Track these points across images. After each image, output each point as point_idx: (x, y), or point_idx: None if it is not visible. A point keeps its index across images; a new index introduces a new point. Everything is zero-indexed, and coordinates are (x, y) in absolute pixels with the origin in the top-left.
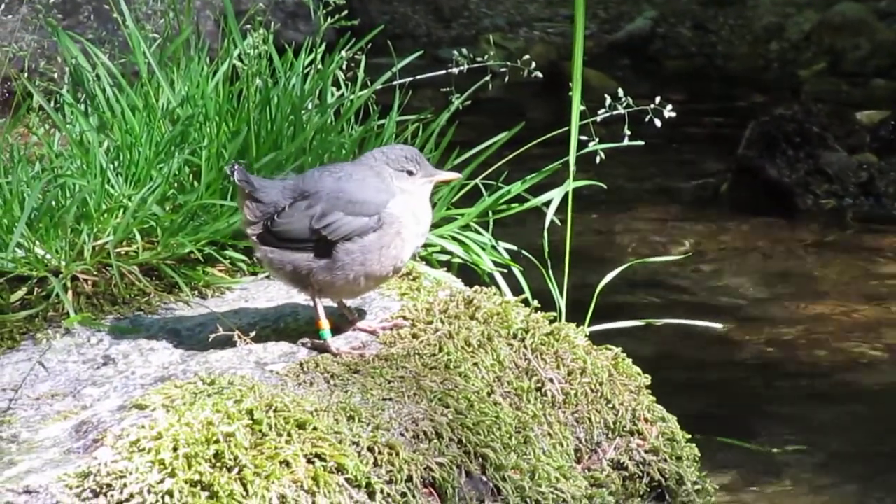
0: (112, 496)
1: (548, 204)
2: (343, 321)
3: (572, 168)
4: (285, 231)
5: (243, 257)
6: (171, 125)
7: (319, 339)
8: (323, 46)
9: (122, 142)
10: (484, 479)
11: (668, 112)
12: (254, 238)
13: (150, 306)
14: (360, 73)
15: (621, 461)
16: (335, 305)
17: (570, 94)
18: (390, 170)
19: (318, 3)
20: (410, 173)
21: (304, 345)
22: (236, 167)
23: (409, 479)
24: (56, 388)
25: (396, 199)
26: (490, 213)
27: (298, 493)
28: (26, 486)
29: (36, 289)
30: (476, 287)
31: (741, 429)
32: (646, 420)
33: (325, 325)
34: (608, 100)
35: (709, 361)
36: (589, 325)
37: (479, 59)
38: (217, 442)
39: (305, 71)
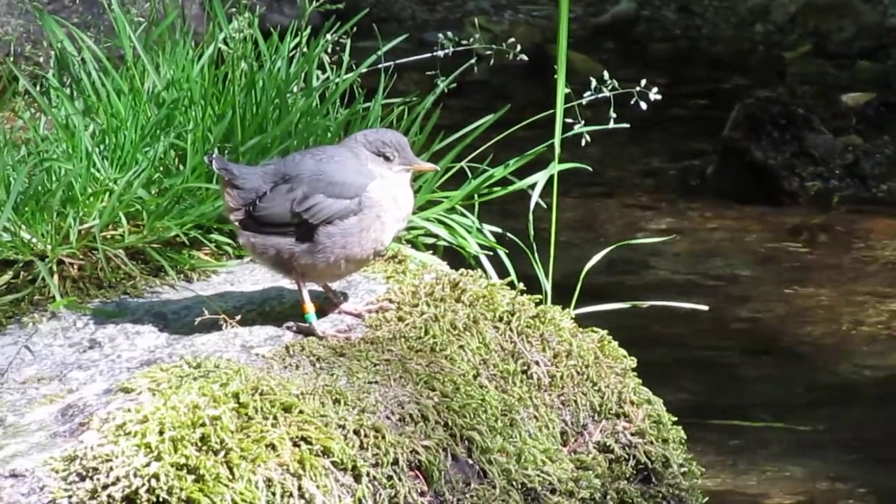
0: (98, 479)
1: (533, 187)
2: (328, 304)
3: (557, 150)
4: (267, 215)
5: (229, 241)
6: (157, 109)
7: (305, 323)
8: (308, 30)
9: (108, 125)
10: (470, 461)
11: (654, 95)
12: (236, 223)
13: (135, 290)
14: (346, 57)
15: (607, 444)
16: (320, 289)
17: (556, 76)
18: (367, 152)
19: None
20: (387, 159)
21: (289, 328)
22: (214, 156)
23: (395, 461)
24: (42, 372)
25: (376, 183)
26: (475, 196)
27: (284, 476)
28: (12, 469)
29: (22, 273)
30: (462, 270)
31: (727, 410)
32: (632, 402)
33: (310, 308)
34: (593, 82)
35: (695, 343)
36: (575, 308)
37: (464, 42)
38: (203, 425)
39: (291, 54)
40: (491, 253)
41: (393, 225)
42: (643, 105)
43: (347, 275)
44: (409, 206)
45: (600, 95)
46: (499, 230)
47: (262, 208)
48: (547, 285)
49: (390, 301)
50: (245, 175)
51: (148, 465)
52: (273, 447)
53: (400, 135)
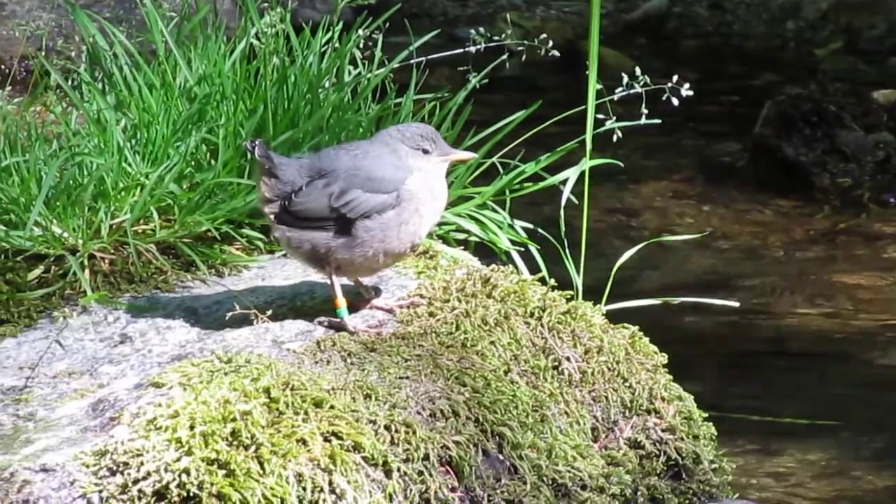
0: (129, 474)
1: (564, 182)
2: (360, 299)
3: (589, 146)
4: (303, 210)
5: (260, 235)
6: (189, 103)
7: (336, 318)
8: (340, 25)
9: (140, 120)
10: (501, 457)
11: (686, 91)
12: (271, 217)
13: (167, 284)
14: (377, 52)
15: (638, 440)
16: (352, 284)
17: (587, 72)
18: (406, 147)
19: None
20: (426, 151)
21: (321, 323)
22: (257, 142)
23: (426, 457)
24: (73, 367)
25: (414, 177)
26: (507, 192)
27: (315, 471)
28: (43, 464)
29: (53, 267)
30: (493, 265)
31: (758, 406)
32: (663, 399)
33: (342, 303)
34: (625, 78)
35: (726, 340)
36: (606, 304)
37: (496, 38)
38: (234, 420)
39: (322, 49)
40: (522, 249)
41: (430, 217)
42: (675, 101)
43: (384, 269)
44: (445, 198)
45: (632, 91)
46: (530, 226)
47: (298, 203)
48: (578, 281)
49: (421, 296)
50: (283, 166)
51: (178, 459)
52: (304, 442)
53: (431, 127)
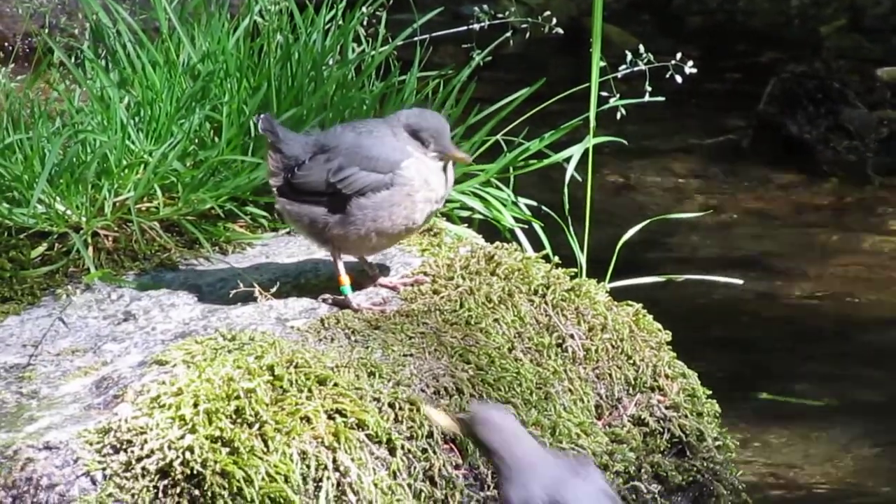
0: (132, 452)
1: (568, 160)
2: (364, 277)
3: (592, 124)
4: (304, 184)
5: (264, 213)
6: (192, 81)
7: (340, 295)
8: (343, 2)
9: (143, 98)
10: None
11: (690, 68)
12: (274, 190)
13: (170, 262)
14: (381, 29)
15: (642, 417)
16: (356, 261)
17: (591, 50)
18: (405, 134)
19: None
20: (424, 143)
21: (325, 301)
22: (262, 116)
23: (430, 434)
24: (76, 344)
25: (410, 161)
26: (511, 169)
27: (319, 448)
28: (46, 442)
29: (56, 245)
30: (497, 243)
31: (762, 384)
32: (666, 376)
33: (345, 280)
34: (629, 56)
35: (729, 317)
36: (610, 281)
37: (499, 16)
38: (238, 398)
39: (326, 27)
40: (526, 226)
41: (424, 205)
42: (678, 79)
43: (380, 249)
44: (443, 189)
45: (636, 69)
46: (534, 203)
47: (299, 176)
48: (582, 259)
49: (425, 274)
50: (289, 140)
51: (182, 437)
52: (308, 420)
53: (441, 119)
